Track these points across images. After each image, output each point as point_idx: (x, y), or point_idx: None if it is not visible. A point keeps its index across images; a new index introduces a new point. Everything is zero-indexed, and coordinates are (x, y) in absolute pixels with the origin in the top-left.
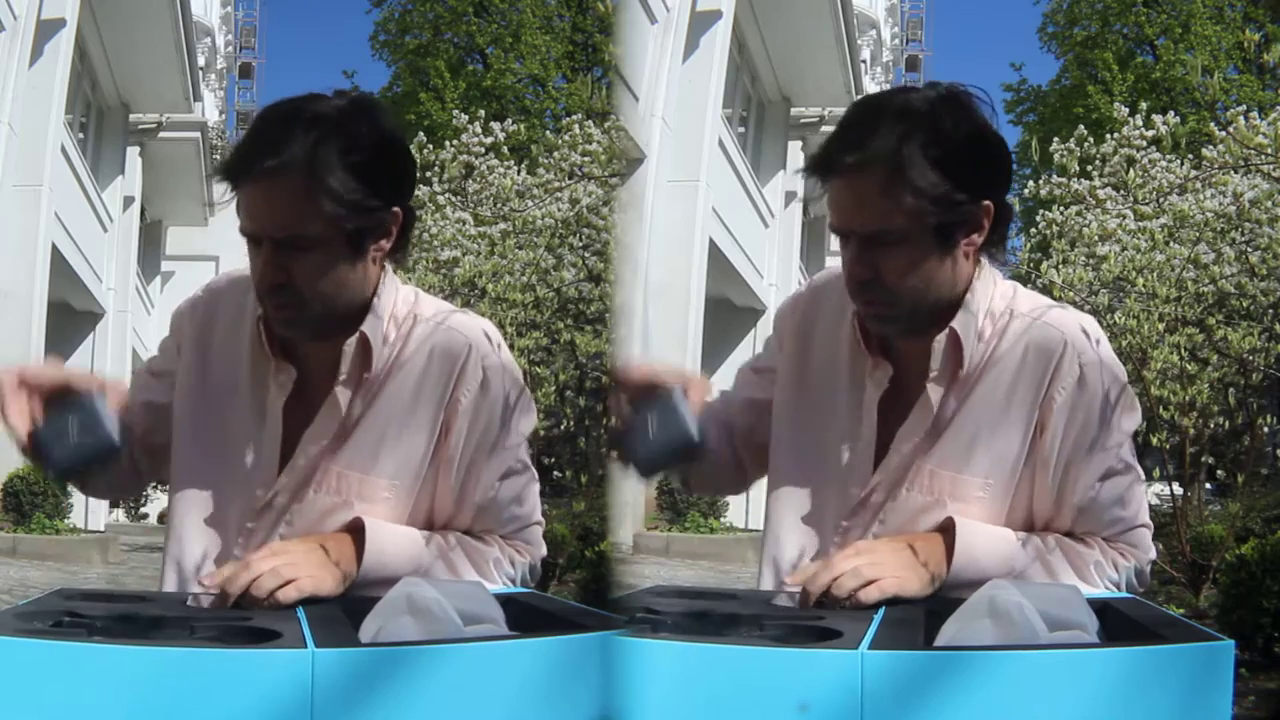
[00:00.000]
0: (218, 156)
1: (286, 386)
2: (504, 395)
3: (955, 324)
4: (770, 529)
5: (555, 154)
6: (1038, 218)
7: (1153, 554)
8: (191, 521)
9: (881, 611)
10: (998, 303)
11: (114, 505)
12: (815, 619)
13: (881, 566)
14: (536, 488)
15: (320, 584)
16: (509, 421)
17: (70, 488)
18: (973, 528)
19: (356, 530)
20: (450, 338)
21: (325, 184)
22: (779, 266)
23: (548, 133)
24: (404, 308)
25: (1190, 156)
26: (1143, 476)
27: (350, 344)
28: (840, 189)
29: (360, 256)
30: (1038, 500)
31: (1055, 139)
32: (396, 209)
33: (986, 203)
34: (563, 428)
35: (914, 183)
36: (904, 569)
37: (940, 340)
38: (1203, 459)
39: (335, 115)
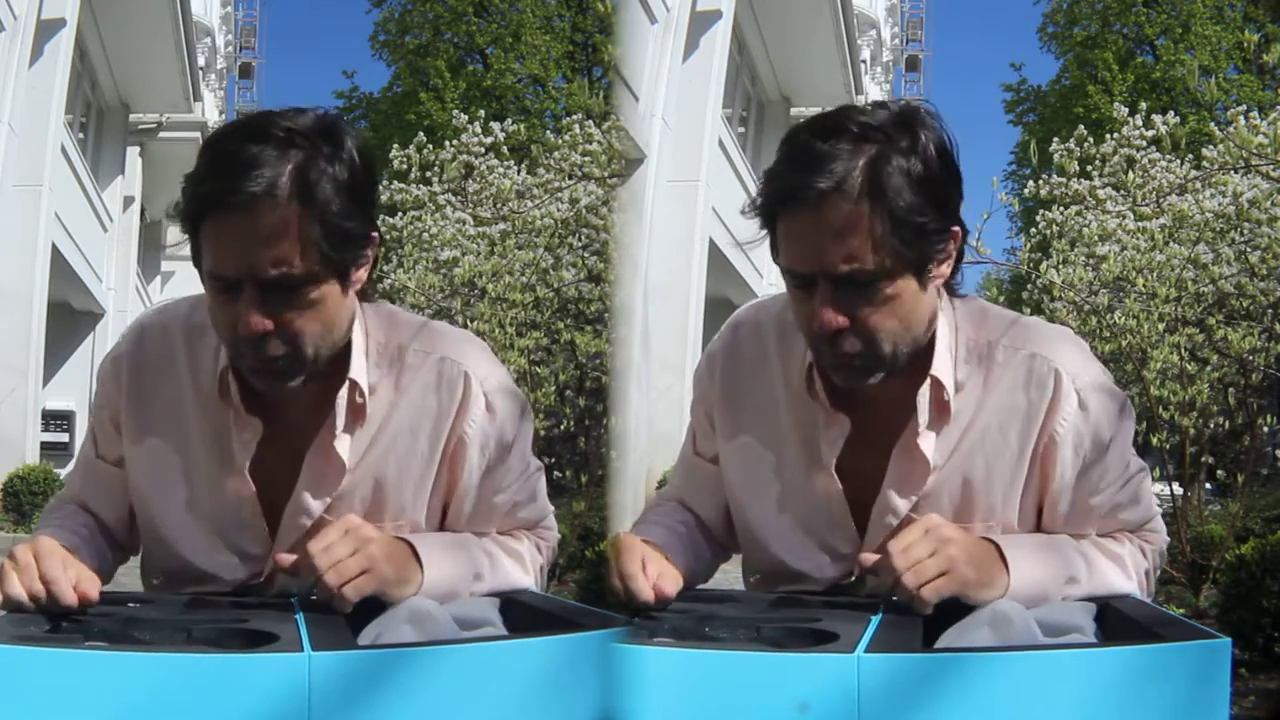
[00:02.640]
0: None
1: (251, 444)
2: (510, 412)
3: (935, 370)
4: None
5: (555, 154)
6: (1038, 218)
7: (1166, 535)
8: (175, 579)
9: (879, 614)
10: (968, 331)
11: None
12: (812, 621)
13: (954, 559)
14: (544, 479)
15: (399, 582)
16: (518, 434)
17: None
18: (1012, 540)
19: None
20: (444, 369)
21: (318, 211)
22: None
23: (548, 133)
24: (380, 334)
25: (1190, 156)
26: (1147, 469)
27: (342, 396)
28: (806, 223)
29: (346, 290)
30: (1050, 524)
31: (1055, 139)
32: (375, 234)
33: (956, 228)
34: (563, 428)
35: (894, 210)
36: (977, 561)
37: (924, 392)
38: (1203, 459)
39: (311, 131)
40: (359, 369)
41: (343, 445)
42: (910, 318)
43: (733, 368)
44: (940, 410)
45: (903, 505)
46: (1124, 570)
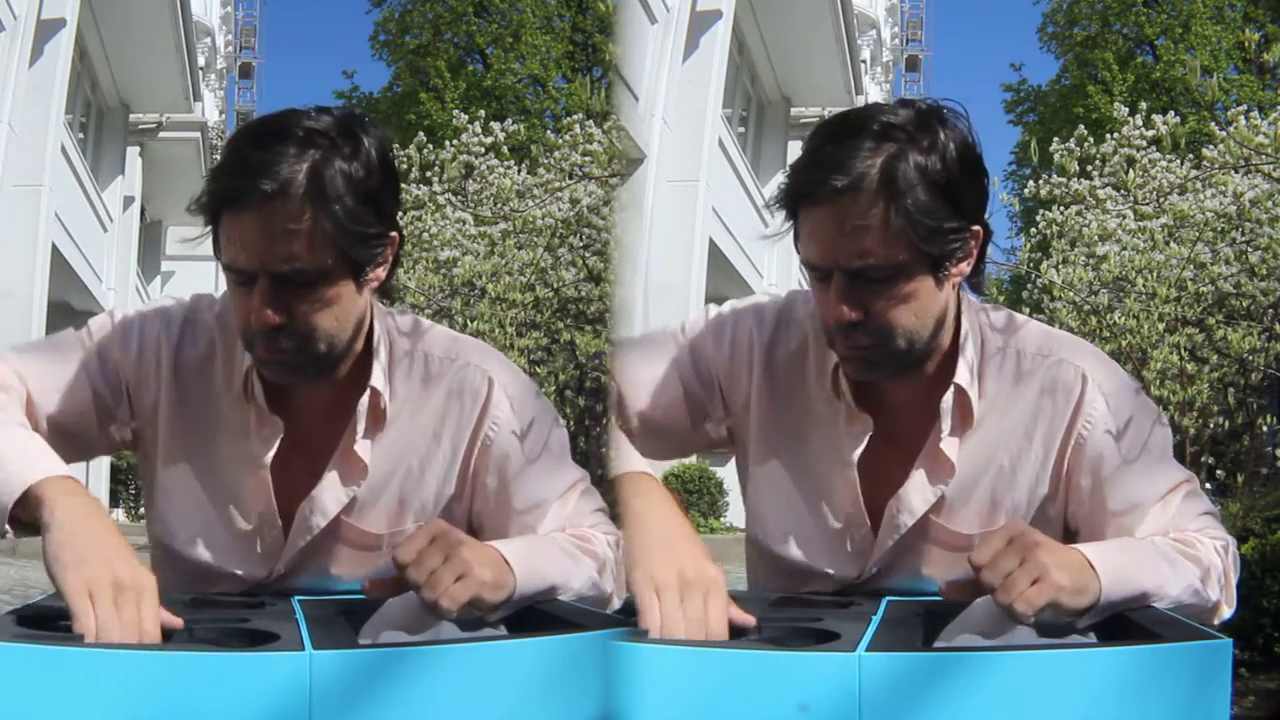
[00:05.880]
0: (217, 156)
1: (271, 440)
2: (534, 410)
3: (959, 379)
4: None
5: (555, 154)
6: (1038, 218)
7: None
8: (188, 577)
9: (880, 613)
10: (995, 339)
11: (114, 505)
12: (813, 620)
13: (1045, 566)
14: (587, 485)
15: (496, 586)
16: (548, 438)
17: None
18: (1094, 545)
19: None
20: (468, 375)
21: (330, 210)
22: (779, 266)
23: (548, 133)
24: (404, 342)
25: (1190, 156)
26: (1194, 478)
27: (363, 404)
28: (823, 218)
29: (361, 288)
30: (1099, 524)
31: (1055, 139)
32: (394, 234)
33: (976, 227)
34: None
35: (908, 208)
36: (1067, 566)
37: (948, 399)
38: (1203, 459)
39: (331, 131)
40: (379, 378)
41: (363, 449)
42: (925, 314)
43: (773, 345)
44: (964, 417)
45: (920, 507)
46: (1202, 570)
